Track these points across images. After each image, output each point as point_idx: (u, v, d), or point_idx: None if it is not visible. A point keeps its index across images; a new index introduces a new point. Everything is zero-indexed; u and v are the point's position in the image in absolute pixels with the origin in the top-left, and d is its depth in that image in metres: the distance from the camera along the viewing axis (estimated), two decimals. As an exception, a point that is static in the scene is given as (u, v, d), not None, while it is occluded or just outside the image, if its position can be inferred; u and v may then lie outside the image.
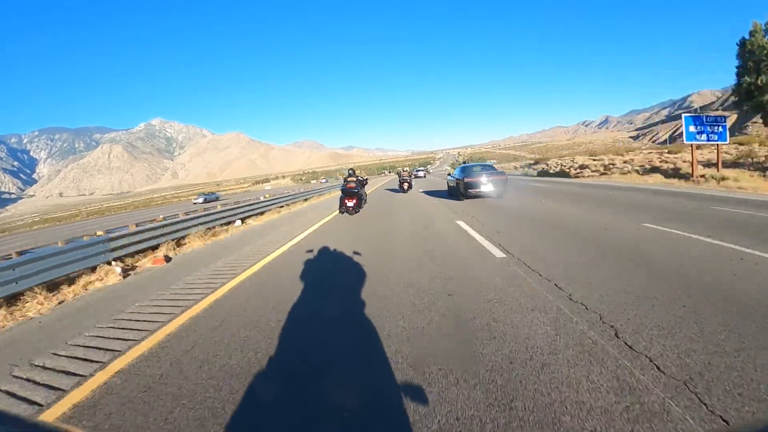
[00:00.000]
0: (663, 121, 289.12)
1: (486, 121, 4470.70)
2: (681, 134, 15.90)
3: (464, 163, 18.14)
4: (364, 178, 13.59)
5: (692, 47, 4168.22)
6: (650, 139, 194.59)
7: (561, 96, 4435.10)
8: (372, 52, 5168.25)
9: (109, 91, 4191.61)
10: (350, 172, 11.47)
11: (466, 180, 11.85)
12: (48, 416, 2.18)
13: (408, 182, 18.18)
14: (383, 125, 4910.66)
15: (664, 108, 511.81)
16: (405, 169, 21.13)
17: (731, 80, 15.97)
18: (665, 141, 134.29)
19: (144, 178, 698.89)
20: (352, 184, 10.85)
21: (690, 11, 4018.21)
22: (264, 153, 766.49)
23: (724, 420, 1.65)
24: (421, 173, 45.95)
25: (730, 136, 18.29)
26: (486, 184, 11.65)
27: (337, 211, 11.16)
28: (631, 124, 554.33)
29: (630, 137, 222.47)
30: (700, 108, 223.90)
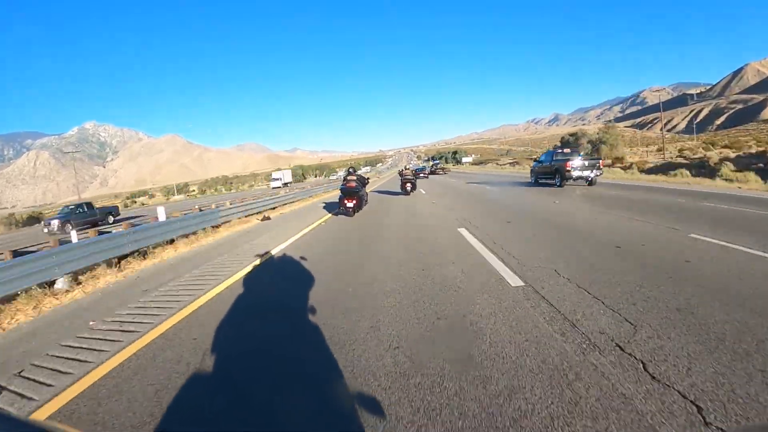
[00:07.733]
0: (623, 117, 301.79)
1: (435, 120, 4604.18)
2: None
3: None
4: (366, 177, 12.92)
5: (639, 46, 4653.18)
6: (662, 128, 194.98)
7: (509, 95, 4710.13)
8: (319, 55, 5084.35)
9: (42, 93, 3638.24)
10: (351, 170, 11.45)
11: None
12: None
13: (411, 182, 16.45)
14: (330, 127, 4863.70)
15: (616, 104, 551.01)
16: (407, 167, 19.09)
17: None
18: (695, 128, 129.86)
19: (70, 187, 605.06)
20: (353, 183, 10.53)
21: (636, 10, 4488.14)
22: (198, 156, 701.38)
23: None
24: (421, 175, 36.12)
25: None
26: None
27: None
28: (583, 120, 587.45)
29: (628, 127, 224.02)
30: (697, 95, 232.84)
